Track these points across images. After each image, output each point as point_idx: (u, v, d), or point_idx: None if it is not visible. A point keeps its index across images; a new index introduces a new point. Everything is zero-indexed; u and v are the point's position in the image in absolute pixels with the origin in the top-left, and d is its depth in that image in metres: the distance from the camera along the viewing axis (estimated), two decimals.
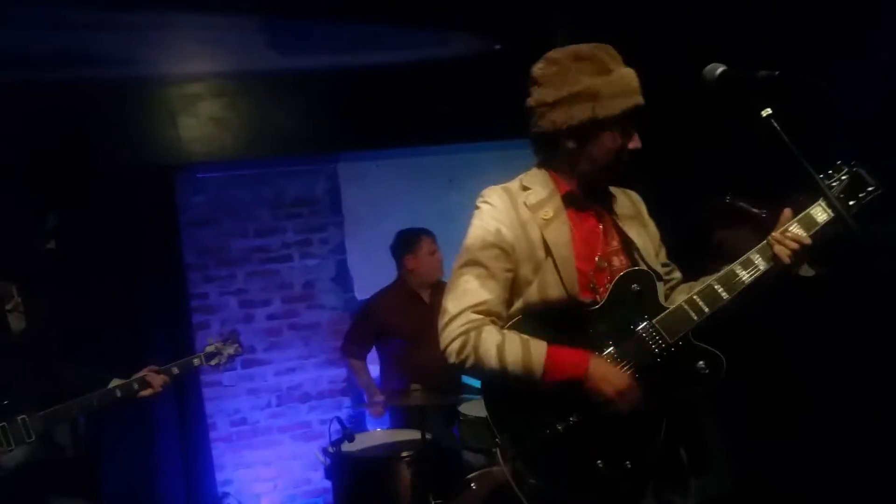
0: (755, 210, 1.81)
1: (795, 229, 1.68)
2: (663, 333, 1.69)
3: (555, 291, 1.69)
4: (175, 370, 2.75)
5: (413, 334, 3.65)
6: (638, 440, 1.67)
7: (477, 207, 1.76)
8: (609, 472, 1.64)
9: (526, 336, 1.66)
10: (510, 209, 1.72)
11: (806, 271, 1.71)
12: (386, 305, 3.81)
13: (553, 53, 1.75)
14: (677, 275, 1.94)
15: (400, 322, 3.72)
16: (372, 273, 4.16)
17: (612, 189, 1.88)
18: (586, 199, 1.79)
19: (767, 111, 1.48)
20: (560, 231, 1.71)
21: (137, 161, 3.79)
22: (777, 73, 1.47)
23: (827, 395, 3.19)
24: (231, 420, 4.37)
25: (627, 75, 1.71)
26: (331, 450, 3.07)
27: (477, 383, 4.23)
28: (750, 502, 3.56)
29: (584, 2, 3.43)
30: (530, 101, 1.75)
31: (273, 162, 4.38)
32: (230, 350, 2.95)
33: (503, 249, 1.69)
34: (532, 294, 1.70)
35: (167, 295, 3.90)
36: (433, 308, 3.64)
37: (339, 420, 3.11)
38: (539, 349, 1.63)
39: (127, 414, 3.49)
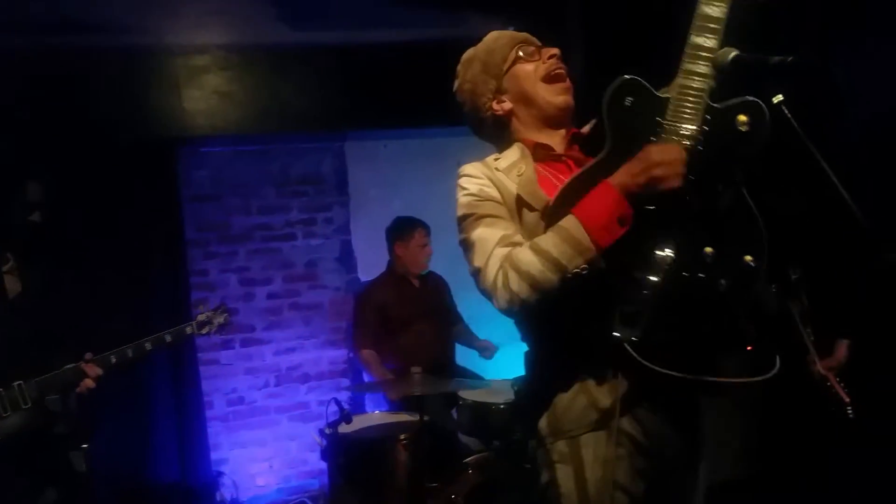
0: None
1: None
2: (683, 123, 1.49)
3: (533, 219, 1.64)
4: (168, 338, 2.73)
5: (406, 317, 3.74)
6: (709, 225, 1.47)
7: (458, 184, 1.77)
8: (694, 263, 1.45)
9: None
10: (486, 172, 1.75)
11: None
12: (380, 290, 3.89)
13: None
14: None
15: (393, 304, 3.80)
16: (376, 254, 4.10)
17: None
18: (557, 150, 1.77)
19: (779, 98, 1.41)
20: (528, 177, 1.69)
21: (139, 132, 3.75)
22: (790, 58, 1.40)
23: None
24: (228, 399, 4.34)
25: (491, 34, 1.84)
26: (327, 431, 3.03)
27: (472, 368, 4.18)
28: (760, 488, 3.51)
29: None
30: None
31: (278, 138, 4.31)
32: (220, 319, 2.95)
33: (493, 199, 1.69)
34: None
35: (166, 270, 3.87)
36: (424, 292, 3.88)
37: (337, 401, 3.07)
38: (566, 219, 1.49)
39: (121, 390, 3.45)
